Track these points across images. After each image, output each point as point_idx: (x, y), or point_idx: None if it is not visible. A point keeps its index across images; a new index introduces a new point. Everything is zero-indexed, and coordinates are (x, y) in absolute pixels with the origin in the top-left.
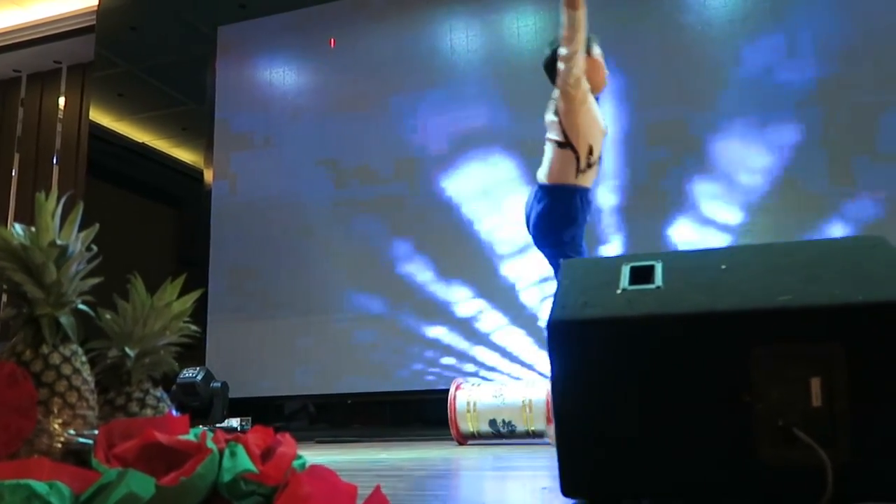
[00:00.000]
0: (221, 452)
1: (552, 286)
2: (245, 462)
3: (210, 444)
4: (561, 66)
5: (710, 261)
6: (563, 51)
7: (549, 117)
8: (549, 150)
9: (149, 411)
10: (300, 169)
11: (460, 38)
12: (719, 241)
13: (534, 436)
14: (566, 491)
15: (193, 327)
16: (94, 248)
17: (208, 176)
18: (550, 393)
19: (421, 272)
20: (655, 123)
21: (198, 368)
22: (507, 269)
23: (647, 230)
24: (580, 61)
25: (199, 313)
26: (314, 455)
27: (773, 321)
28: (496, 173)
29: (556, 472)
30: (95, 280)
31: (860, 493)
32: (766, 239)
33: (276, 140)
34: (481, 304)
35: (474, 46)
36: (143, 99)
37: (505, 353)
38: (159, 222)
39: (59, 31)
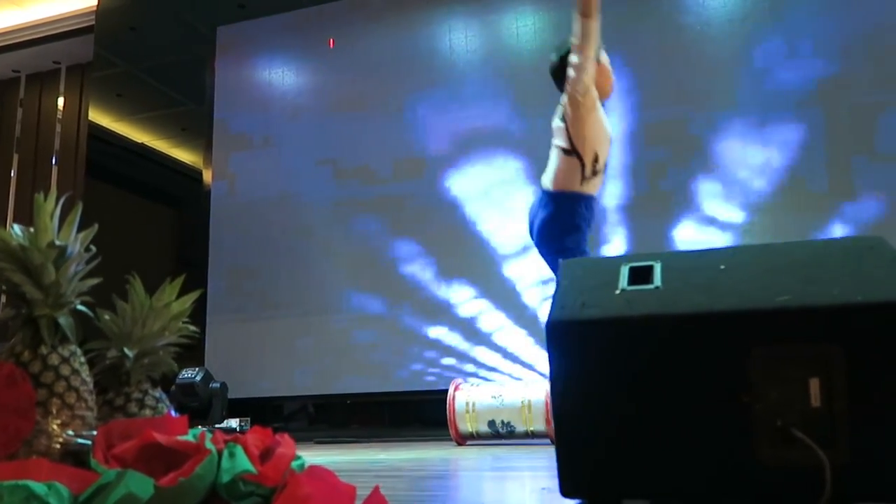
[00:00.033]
0: (220, 453)
1: (552, 288)
2: (244, 463)
3: (209, 444)
4: (571, 73)
5: (709, 261)
6: (574, 58)
7: (556, 123)
8: (554, 157)
9: (148, 412)
10: (299, 169)
11: (459, 38)
12: (719, 240)
13: (533, 436)
14: (565, 491)
15: (192, 328)
16: (93, 248)
17: (207, 176)
18: (549, 393)
19: (420, 272)
20: (654, 123)
21: (197, 369)
22: (507, 270)
23: (645, 230)
24: (590, 70)
25: (198, 314)
26: (313, 456)
27: (771, 321)
28: (496, 173)
29: (555, 472)
30: (94, 281)
31: (859, 493)
32: (767, 239)
33: (275, 140)
34: (481, 304)
35: (473, 46)
36: (143, 99)
37: (505, 354)
38: (158, 223)
39: (58, 32)
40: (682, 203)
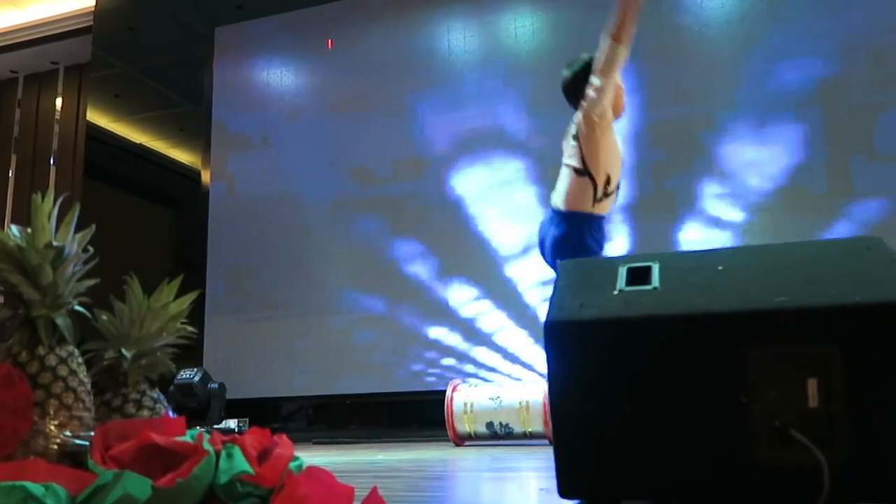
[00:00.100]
0: (218, 454)
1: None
2: (241, 464)
3: (207, 445)
4: (591, 94)
5: (707, 262)
6: (596, 80)
7: (569, 141)
8: (565, 176)
9: (145, 412)
10: (297, 169)
11: (458, 38)
12: (720, 241)
13: (531, 437)
14: (564, 492)
15: (190, 328)
16: (91, 249)
17: (206, 177)
18: (547, 394)
19: (419, 273)
20: (653, 124)
21: (195, 369)
22: (507, 270)
23: (643, 230)
24: (611, 94)
25: (196, 314)
26: (311, 456)
27: (769, 322)
28: (495, 173)
29: (553, 472)
30: (92, 281)
31: (857, 493)
32: (766, 239)
33: (273, 141)
34: (481, 304)
35: (472, 47)
36: (141, 100)
37: (505, 354)
38: (157, 223)
39: (56, 32)
40: (680, 204)
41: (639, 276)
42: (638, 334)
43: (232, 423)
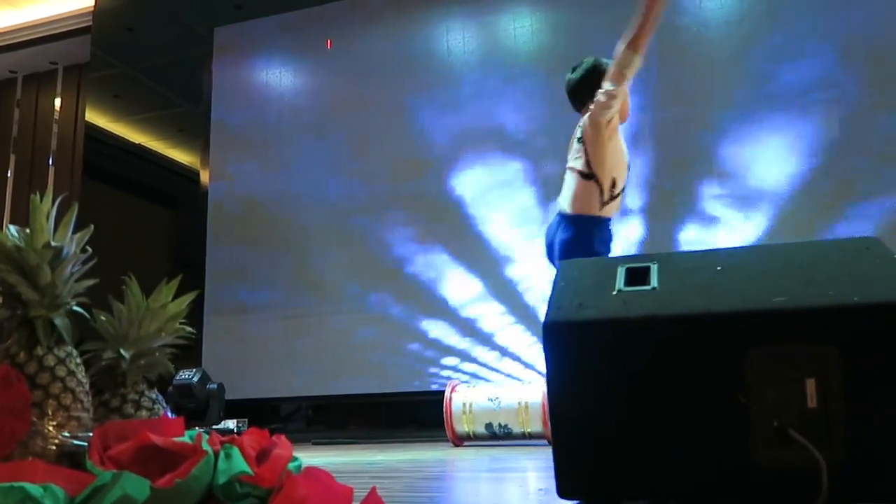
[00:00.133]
0: (216, 454)
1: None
2: (240, 464)
3: (205, 446)
4: (602, 98)
5: (706, 262)
6: (609, 86)
7: (574, 145)
8: (571, 180)
9: (144, 413)
10: (296, 170)
11: (457, 39)
12: (716, 241)
13: (530, 437)
14: (562, 492)
15: (189, 329)
16: (89, 249)
17: (205, 177)
18: (546, 394)
19: (417, 273)
20: (651, 124)
21: (194, 370)
22: (506, 270)
23: (642, 230)
24: (620, 100)
25: (195, 314)
26: (310, 457)
27: (768, 322)
28: (494, 174)
29: (552, 473)
30: (90, 282)
31: (855, 493)
32: (765, 239)
33: (272, 141)
34: (480, 305)
35: (471, 48)
36: (140, 100)
37: (504, 354)
38: (156, 223)
39: (55, 32)
40: (680, 204)
41: (637, 276)
42: (636, 335)
43: (231, 424)
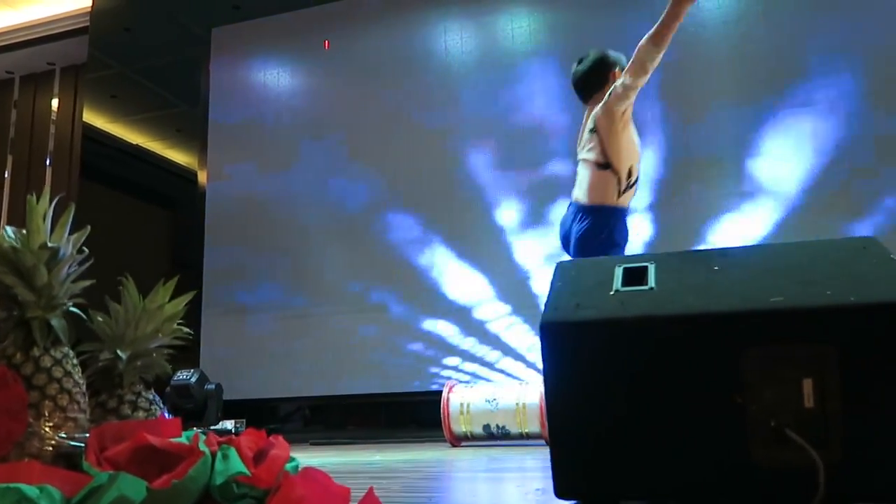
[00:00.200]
0: (214, 455)
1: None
2: (237, 465)
3: (202, 446)
4: (619, 90)
5: (703, 262)
6: (628, 79)
7: (587, 136)
8: (586, 171)
9: (141, 414)
10: (294, 170)
11: (455, 39)
12: (712, 241)
13: (528, 438)
14: (560, 492)
15: (186, 329)
16: (86, 250)
17: (202, 177)
18: (544, 394)
19: (416, 274)
20: (648, 124)
21: (192, 371)
22: (505, 270)
23: (642, 230)
24: (636, 92)
25: (193, 315)
26: (308, 457)
27: (765, 322)
28: (492, 174)
29: (549, 473)
30: (87, 282)
31: (852, 493)
32: (762, 240)
33: (270, 141)
34: (480, 305)
35: (469, 48)
36: (137, 100)
37: (505, 354)
38: (153, 224)
39: (52, 33)
40: (678, 204)
41: (635, 276)
42: (634, 335)
43: (229, 424)
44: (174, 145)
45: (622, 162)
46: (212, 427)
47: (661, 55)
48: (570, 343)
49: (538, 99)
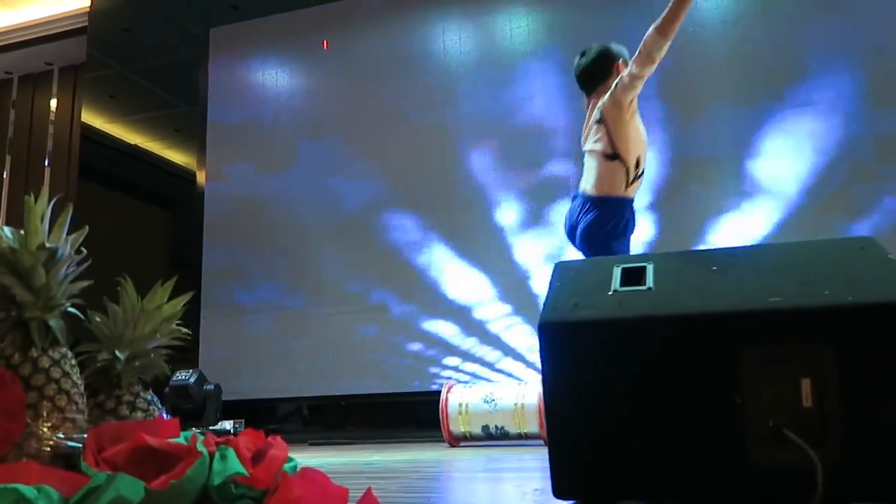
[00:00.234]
0: (212, 455)
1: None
2: (235, 465)
3: (200, 447)
4: (626, 80)
5: (701, 262)
6: (634, 69)
7: (593, 127)
8: (594, 162)
9: (139, 414)
10: (293, 170)
11: (453, 39)
12: (711, 241)
13: (526, 438)
14: (558, 492)
15: (184, 330)
16: (84, 250)
17: (201, 177)
18: (542, 395)
19: (415, 273)
20: (646, 124)
21: (191, 371)
22: (505, 270)
23: (641, 230)
24: (642, 82)
25: (192, 315)
26: (306, 457)
27: (763, 322)
28: (491, 174)
29: (548, 473)
30: (85, 283)
31: (850, 493)
32: (759, 240)
33: (268, 141)
34: (480, 305)
35: (467, 48)
36: (136, 101)
37: (504, 355)
38: (152, 224)
39: (50, 33)
40: (676, 204)
41: (633, 276)
42: (632, 335)
43: (228, 425)
44: (173, 145)
45: (630, 152)
46: (210, 427)
47: (668, 44)
48: (569, 343)
49: (537, 99)
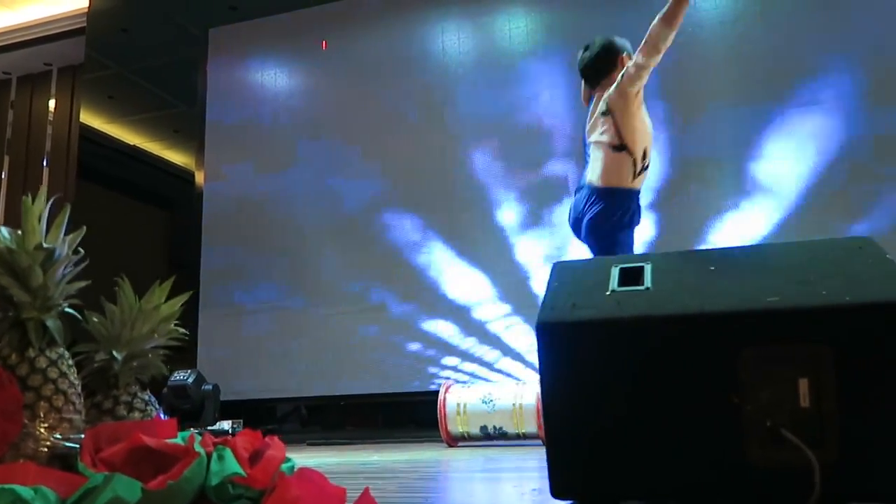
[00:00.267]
0: (209, 456)
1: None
2: (233, 465)
3: (197, 447)
4: (632, 71)
5: (699, 262)
6: (640, 59)
7: (598, 118)
8: (601, 153)
9: (136, 415)
10: (291, 170)
11: (452, 39)
12: (710, 241)
13: (524, 438)
14: (556, 492)
15: (182, 330)
16: (82, 251)
17: (200, 178)
18: (540, 394)
19: (414, 273)
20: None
21: (189, 371)
22: (505, 270)
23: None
24: (649, 72)
25: (190, 315)
26: (304, 458)
27: (761, 322)
28: (491, 173)
29: (546, 473)
30: (82, 283)
31: (848, 493)
32: (758, 239)
33: (267, 142)
34: (479, 305)
35: (466, 48)
36: (134, 101)
37: (504, 355)
38: (150, 224)
39: (49, 33)
40: (675, 205)
41: (631, 276)
42: (630, 335)
43: (226, 425)
44: (171, 146)
45: (637, 143)
46: (208, 428)
47: (673, 35)
48: (567, 343)
49: (536, 99)
